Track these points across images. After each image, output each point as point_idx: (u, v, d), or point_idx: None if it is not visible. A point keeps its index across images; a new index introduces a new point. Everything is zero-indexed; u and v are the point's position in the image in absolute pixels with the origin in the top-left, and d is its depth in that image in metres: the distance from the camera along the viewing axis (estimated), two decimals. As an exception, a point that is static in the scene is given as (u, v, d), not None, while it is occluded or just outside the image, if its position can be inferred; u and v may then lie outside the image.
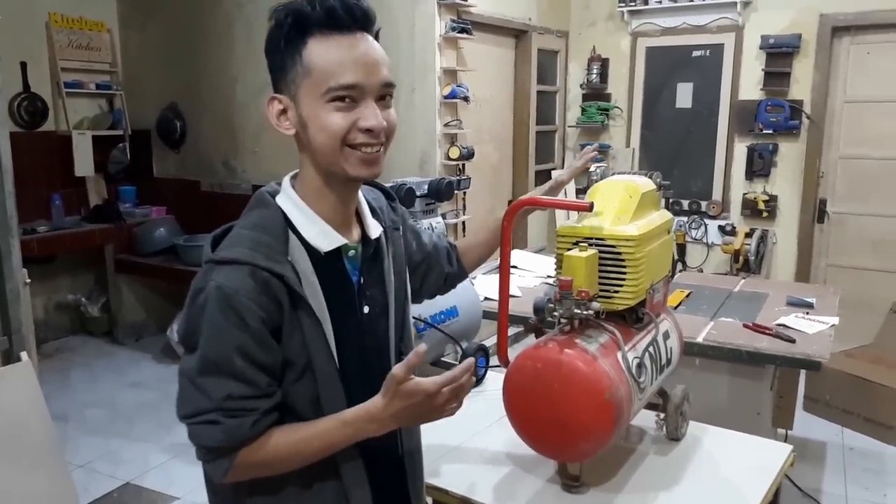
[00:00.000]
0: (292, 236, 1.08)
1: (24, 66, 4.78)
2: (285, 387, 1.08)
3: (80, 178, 5.05)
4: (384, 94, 1.08)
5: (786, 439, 3.04)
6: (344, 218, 1.14)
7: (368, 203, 1.21)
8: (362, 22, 1.06)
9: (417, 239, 1.39)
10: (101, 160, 5.15)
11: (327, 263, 1.10)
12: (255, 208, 1.11)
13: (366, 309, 1.16)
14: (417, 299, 1.46)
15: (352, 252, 1.15)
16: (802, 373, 3.28)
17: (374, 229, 1.19)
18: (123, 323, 5.14)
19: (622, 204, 1.51)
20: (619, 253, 1.45)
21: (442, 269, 1.43)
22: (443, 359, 2.16)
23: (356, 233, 1.17)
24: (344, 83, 1.03)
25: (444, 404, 1.06)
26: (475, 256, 1.52)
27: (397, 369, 1.03)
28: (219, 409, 1.02)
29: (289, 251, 1.07)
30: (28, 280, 2.42)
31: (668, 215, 1.65)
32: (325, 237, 1.10)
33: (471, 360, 1.08)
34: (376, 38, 1.09)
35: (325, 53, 1.03)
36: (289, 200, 1.11)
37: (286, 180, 1.14)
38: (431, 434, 1.20)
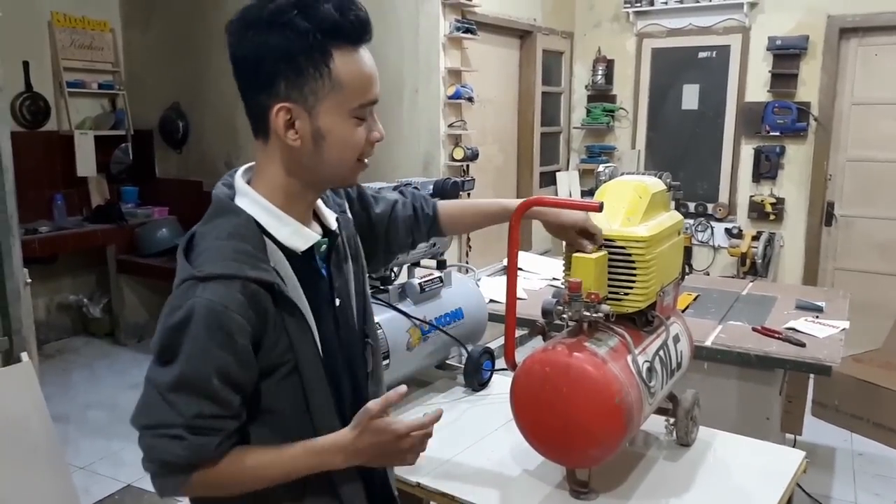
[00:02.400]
0: (268, 241, 1.06)
1: (26, 65, 4.77)
2: (269, 388, 1.05)
3: (83, 178, 5.04)
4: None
5: (794, 444, 3.00)
6: (309, 215, 1.14)
7: None
8: (371, 35, 1.05)
9: (368, 211, 1.37)
10: (103, 160, 5.15)
11: (302, 262, 1.09)
12: (222, 216, 1.07)
13: (337, 301, 1.17)
14: (380, 266, 1.55)
15: (323, 247, 1.14)
16: (811, 377, 3.24)
17: (332, 219, 1.18)
18: (125, 324, 5.12)
19: (632, 205, 1.48)
20: (629, 254, 1.42)
21: (402, 239, 1.44)
22: (448, 362, 2.13)
23: (316, 227, 1.16)
24: (371, 99, 1.05)
25: (409, 449, 1.08)
26: (461, 229, 1.56)
27: (373, 404, 1.05)
28: (186, 426, 0.98)
29: (269, 257, 1.05)
30: (29, 280, 2.39)
31: (678, 216, 1.62)
32: (299, 237, 1.09)
33: (440, 410, 1.12)
34: None
35: (353, 68, 1.02)
36: (255, 204, 1.07)
37: (241, 182, 1.09)
38: (437, 438, 1.17)
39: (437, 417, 1.10)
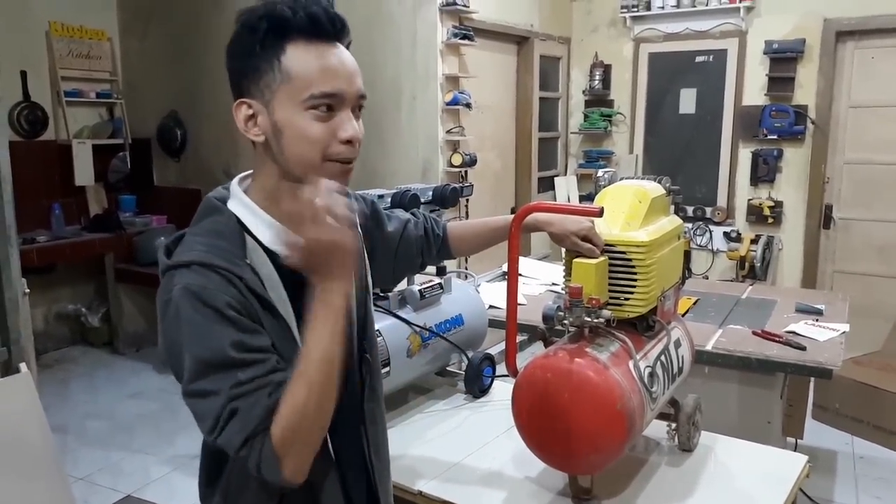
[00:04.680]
0: (249, 239, 1.06)
1: (24, 74, 4.78)
2: None
3: (80, 187, 5.04)
4: (358, 105, 1.07)
5: (795, 448, 2.99)
6: None
7: None
8: (341, 32, 1.06)
9: (380, 229, 1.38)
10: (101, 169, 5.15)
11: (288, 267, 1.06)
12: (207, 216, 1.09)
13: None
14: (388, 284, 1.54)
15: None
16: (812, 381, 3.24)
17: None
18: (124, 333, 5.10)
19: (632, 209, 1.48)
20: (630, 259, 1.42)
21: (412, 258, 1.45)
22: (448, 368, 2.12)
23: None
24: (326, 91, 1.02)
25: (317, 213, 0.95)
26: (469, 248, 1.56)
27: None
28: (232, 398, 0.95)
29: (247, 254, 1.05)
30: (27, 290, 2.39)
31: (677, 221, 1.62)
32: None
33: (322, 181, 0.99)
34: (347, 48, 1.09)
35: (305, 60, 1.02)
36: (241, 205, 1.09)
37: (235, 185, 1.12)
38: (438, 446, 1.16)
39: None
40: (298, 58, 1.02)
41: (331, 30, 1.04)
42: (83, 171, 4.97)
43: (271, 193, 1.08)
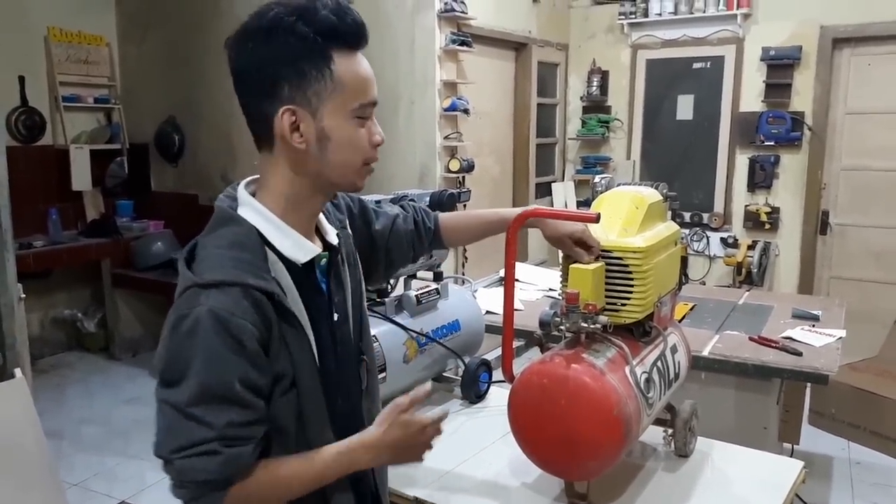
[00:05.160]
0: (269, 251, 1.06)
1: (22, 80, 4.78)
2: (272, 402, 1.04)
3: (78, 192, 5.03)
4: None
5: (792, 454, 2.99)
6: (311, 228, 1.14)
7: None
8: (367, 39, 1.07)
9: (369, 227, 1.37)
10: (98, 174, 5.14)
11: (302, 275, 1.09)
12: (224, 226, 1.07)
13: (335, 316, 1.16)
14: (381, 281, 1.58)
15: (323, 261, 1.14)
16: (808, 386, 3.24)
17: (333, 234, 1.18)
18: (120, 338, 5.09)
19: (628, 215, 1.48)
20: (627, 265, 1.42)
21: (404, 253, 1.44)
22: (445, 374, 2.12)
23: (317, 241, 1.15)
24: (372, 99, 1.08)
25: (426, 442, 1.13)
26: (462, 240, 1.57)
27: (401, 399, 1.08)
28: (220, 438, 0.96)
29: (270, 267, 1.04)
30: (23, 295, 2.39)
31: (674, 227, 1.62)
32: (300, 249, 1.09)
33: (447, 408, 1.19)
34: None
35: (353, 69, 1.05)
36: (257, 214, 1.07)
37: (244, 193, 1.10)
38: (434, 452, 1.17)
39: (446, 415, 1.16)
40: (346, 66, 1.04)
41: (364, 38, 1.06)
42: (80, 177, 4.97)
43: (291, 200, 1.08)
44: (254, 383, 0.99)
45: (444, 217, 1.50)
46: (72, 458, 3.57)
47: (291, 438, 1.07)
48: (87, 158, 5.00)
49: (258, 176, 1.12)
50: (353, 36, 1.04)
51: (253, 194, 1.10)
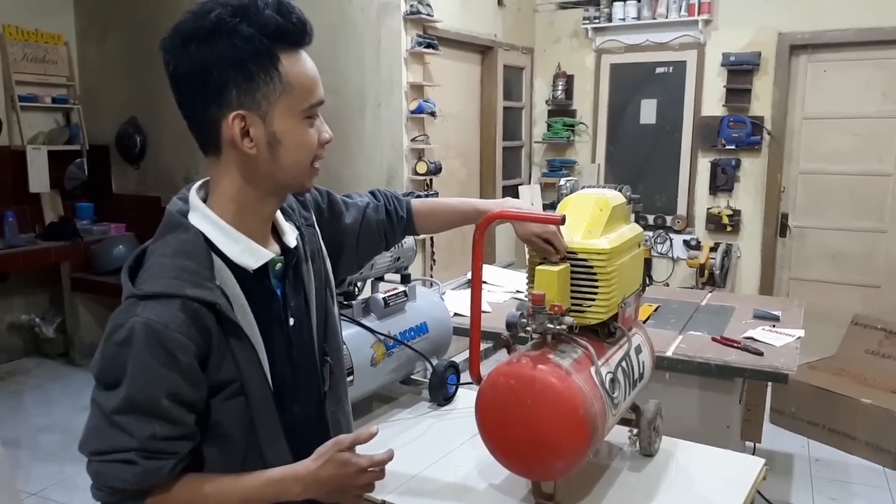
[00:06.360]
0: (216, 258, 1.03)
1: (-24, 79, 4.65)
2: (216, 406, 1.02)
3: (35, 194, 4.91)
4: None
5: (754, 452, 3.05)
6: (265, 231, 1.11)
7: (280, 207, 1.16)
8: (311, 37, 1.05)
9: (339, 220, 1.34)
10: (57, 176, 5.03)
11: (254, 281, 1.06)
12: (171, 232, 1.04)
13: (291, 321, 1.13)
14: (353, 272, 1.59)
15: (278, 265, 1.12)
16: (769, 385, 3.30)
17: (291, 236, 1.15)
18: (80, 344, 4.98)
19: (593, 217, 1.50)
20: (591, 267, 1.43)
21: (376, 242, 1.42)
22: (413, 377, 2.11)
23: (274, 245, 1.13)
24: (320, 99, 1.05)
25: (364, 485, 1.08)
26: (434, 228, 1.54)
27: (344, 438, 1.05)
28: (140, 450, 0.95)
29: (215, 275, 1.02)
30: (-22, 300, 2.32)
31: (638, 229, 1.64)
32: (251, 255, 1.06)
33: (392, 450, 1.11)
34: None
35: (299, 69, 1.02)
36: (206, 220, 1.04)
37: (194, 198, 1.07)
38: (402, 455, 1.16)
39: (390, 458, 1.10)
40: (293, 66, 1.01)
41: (311, 36, 1.04)
42: (38, 178, 4.85)
43: (242, 204, 1.06)
44: (184, 398, 0.97)
45: (416, 204, 1.48)
46: (30, 467, 3.48)
47: (240, 445, 1.05)
48: (44, 159, 4.89)
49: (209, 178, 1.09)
50: (298, 34, 1.01)
51: (205, 198, 1.07)
